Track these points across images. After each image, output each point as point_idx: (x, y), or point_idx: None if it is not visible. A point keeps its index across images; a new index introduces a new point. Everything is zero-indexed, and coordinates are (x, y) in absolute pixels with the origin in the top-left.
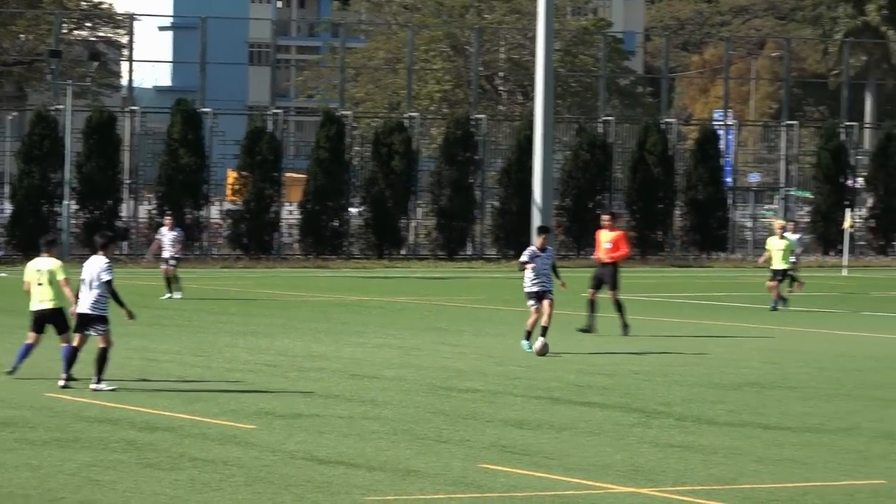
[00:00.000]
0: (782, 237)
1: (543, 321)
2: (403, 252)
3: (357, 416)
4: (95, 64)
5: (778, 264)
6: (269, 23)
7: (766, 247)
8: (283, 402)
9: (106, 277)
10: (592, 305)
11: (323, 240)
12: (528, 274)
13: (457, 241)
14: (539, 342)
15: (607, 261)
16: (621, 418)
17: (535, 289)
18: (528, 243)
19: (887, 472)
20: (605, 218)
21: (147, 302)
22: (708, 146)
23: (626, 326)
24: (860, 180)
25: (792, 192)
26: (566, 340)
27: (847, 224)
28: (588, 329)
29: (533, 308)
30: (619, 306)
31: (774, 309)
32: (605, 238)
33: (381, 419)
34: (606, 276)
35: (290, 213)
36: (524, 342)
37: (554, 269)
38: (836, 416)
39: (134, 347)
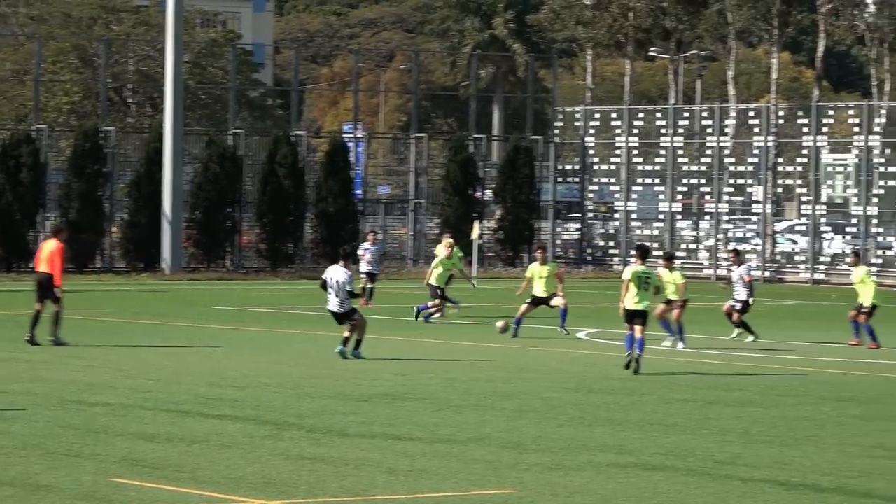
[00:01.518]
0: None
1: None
2: (32, 265)
3: None
4: None
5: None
6: None
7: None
8: None
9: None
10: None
11: None
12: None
13: (86, 254)
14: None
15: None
16: (253, 431)
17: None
18: (158, 255)
19: (517, 481)
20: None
21: None
22: (338, 158)
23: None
24: (489, 192)
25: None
26: (196, 353)
27: (475, 235)
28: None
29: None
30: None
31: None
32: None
33: (10, 434)
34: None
35: None
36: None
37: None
38: (466, 426)
39: None
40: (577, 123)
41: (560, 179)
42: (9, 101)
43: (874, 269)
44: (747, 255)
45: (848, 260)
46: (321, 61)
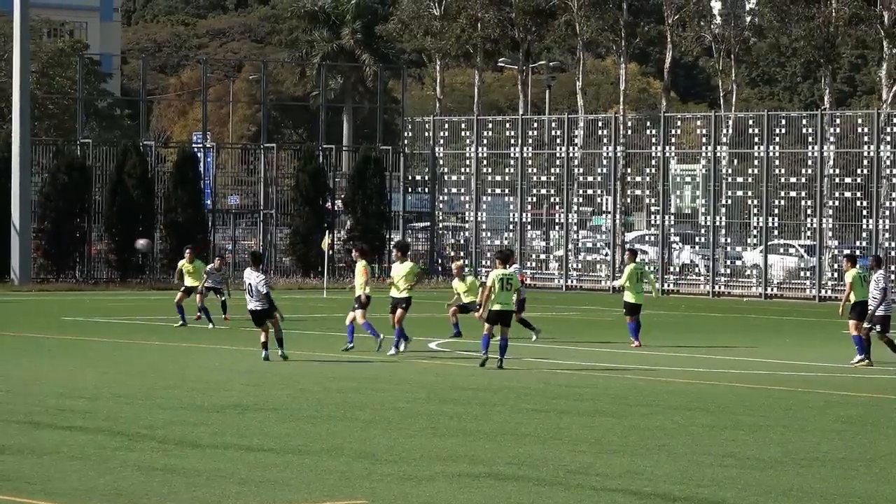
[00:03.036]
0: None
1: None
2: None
3: None
4: None
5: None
6: None
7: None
8: None
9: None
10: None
11: None
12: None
13: None
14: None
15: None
16: (105, 442)
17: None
18: (7, 266)
19: (369, 491)
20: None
21: None
22: (187, 168)
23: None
24: (339, 202)
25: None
26: (45, 364)
27: (325, 246)
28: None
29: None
30: None
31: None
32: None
33: None
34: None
35: None
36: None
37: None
38: (318, 437)
39: None
40: (426, 134)
41: (410, 190)
42: None
43: (724, 279)
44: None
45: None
46: (169, 71)
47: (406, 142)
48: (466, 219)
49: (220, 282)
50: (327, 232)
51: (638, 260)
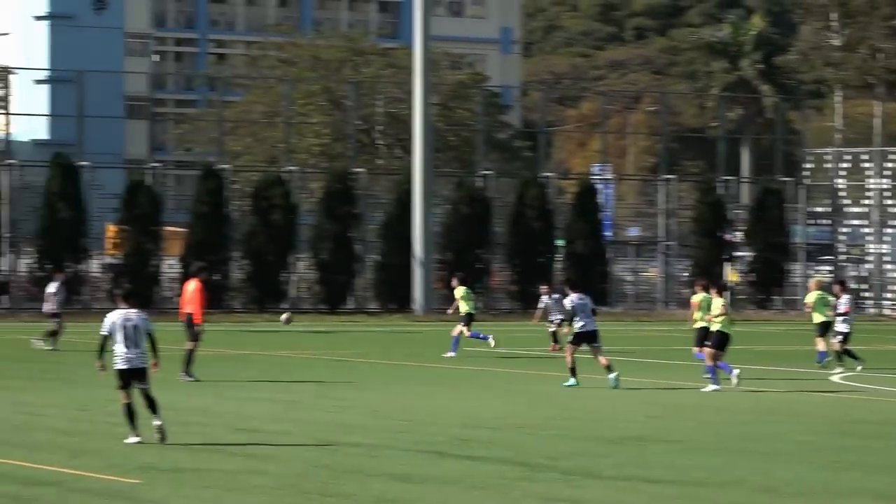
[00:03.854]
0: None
1: None
2: (285, 306)
3: (241, 470)
4: None
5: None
6: (145, 76)
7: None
8: (167, 456)
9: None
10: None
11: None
12: None
13: (338, 295)
14: None
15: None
16: (507, 472)
17: None
18: (408, 296)
19: None
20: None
21: (28, 356)
22: (587, 200)
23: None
24: (738, 234)
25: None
26: (448, 395)
27: (731, 278)
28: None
29: None
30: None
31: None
32: None
33: (265, 473)
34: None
35: (169, 266)
36: None
37: None
38: (718, 469)
39: (16, 402)
40: (826, 165)
41: (811, 221)
42: (260, 142)
43: None
44: None
45: None
46: (568, 103)
47: (806, 173)
48: (868, 251)
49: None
50: (728, 264)
51: None
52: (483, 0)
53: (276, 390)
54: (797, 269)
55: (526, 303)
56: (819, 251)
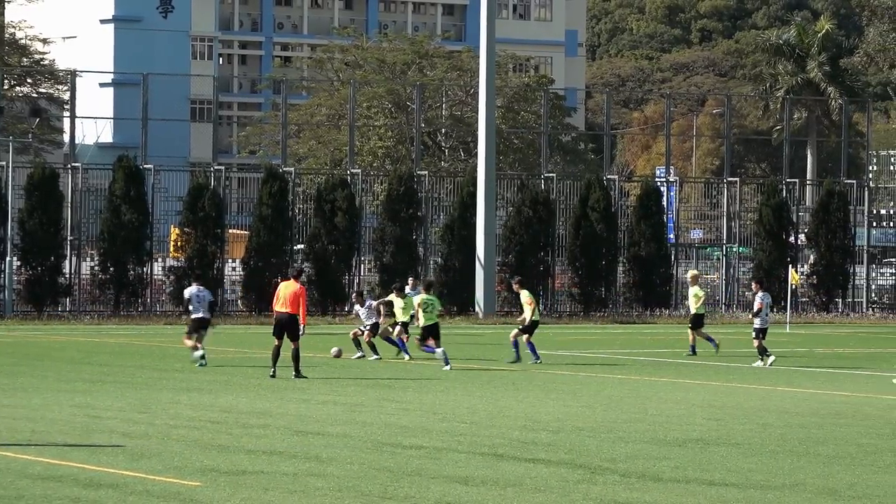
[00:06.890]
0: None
1: None
2: (347, 308)
3: (302, 472)
4: (37, 120)
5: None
6: (210, 79)
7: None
8: (228, 458)
9: None
10: None
11: (266, 296)
12: None
13: None
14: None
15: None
16: (567, 475)
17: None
18: (471, 299)
19: None
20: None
21: (90, 359)
22: (650, 202)
23: None
24: (802, 237)
25: (735, 249)
26: (509, 397)
27: (794, 280)
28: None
29: None
30: None
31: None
32: None
33: (326, 476)
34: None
35: (233, 269)
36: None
37: None
38: (779, 472)
39: (77, 404)
40: (891, 168)
41: (874, 224)
42: (324, 145)
43: None
44: None
45: None
46: (633, 105)
47: (871, 175)
48: None
49: None
50: (794, 266)
51: None
52: (549, 3)
53: (337, 393)
54: (860, 271)
55: (588, 305)
56: (883, 253)
